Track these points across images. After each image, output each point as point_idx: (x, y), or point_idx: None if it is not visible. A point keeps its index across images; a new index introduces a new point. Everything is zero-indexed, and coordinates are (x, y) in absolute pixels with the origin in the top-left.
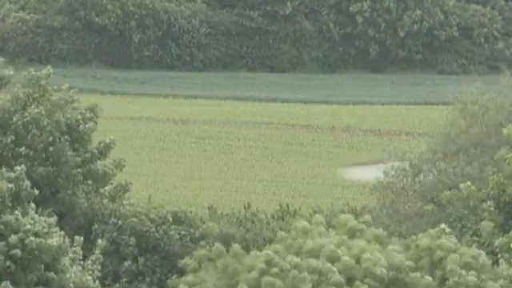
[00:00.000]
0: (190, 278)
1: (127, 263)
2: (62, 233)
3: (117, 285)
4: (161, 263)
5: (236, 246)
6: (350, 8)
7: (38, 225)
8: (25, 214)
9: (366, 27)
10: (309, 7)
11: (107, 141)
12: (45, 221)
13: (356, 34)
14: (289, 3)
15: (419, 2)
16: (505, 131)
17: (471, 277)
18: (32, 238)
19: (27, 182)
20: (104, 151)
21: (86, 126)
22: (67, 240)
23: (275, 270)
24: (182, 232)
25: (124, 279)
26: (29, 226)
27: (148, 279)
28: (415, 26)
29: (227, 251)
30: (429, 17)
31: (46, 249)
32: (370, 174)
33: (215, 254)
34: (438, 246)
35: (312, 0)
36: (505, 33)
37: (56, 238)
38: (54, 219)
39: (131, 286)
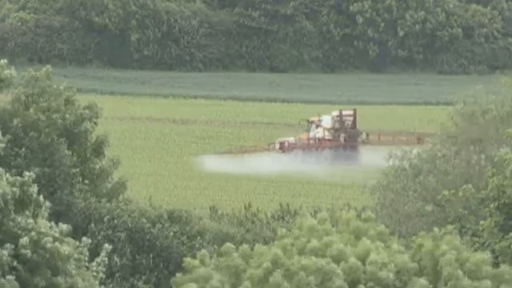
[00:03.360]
0: (194, 275)
1: (117, 258)
2: (74, 241)
3: (109, 280)
4: (157, 261)
5: (245, 247)
6: (351, 8)
7: (51, 230)
8: (35, 217)
9: (365, 27)
10: (309, 7)
11: (99, 139)
12: (57, 226)
13: (356, 34)
14: (290, 3)
15: (420, 3)
16: (508, 131)
17: (473, 283)
18: (49, 239)
19: (34, 188)
20: (98, 148)
21: (83, 125)
22: (75, 246)
23: (281, 270)
24: (178, 230)
25: (118, 275)
26: (43, 230)
27: (144, 277)
28: (417, 27)
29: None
30: (432, 17)
31: (56, 254)
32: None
33: (225, 252)
34: (442, 254)
35: (312, 0)
36: (505, 33)
37: (67, 247)
38: (67, 227)
39: (128, 283)
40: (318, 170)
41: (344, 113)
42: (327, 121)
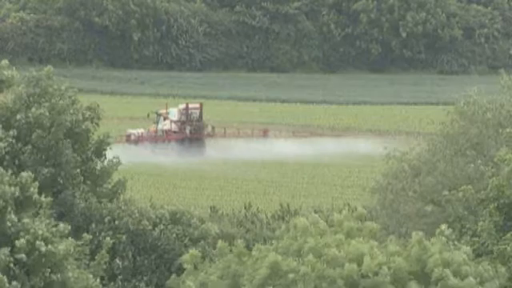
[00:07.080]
0: (191, 277)
1: (119, 261)
2: (73, 240)
3: (112, 283)
4: (159, 262)
5: (239, 244)
6: (353, 6)
7: (48, 231)
8: (34, 218)
9: (367, 27)
10: (309, 7)
11: (100, 138)
12: (54, 226)
13: (356, 34)
14: (289, 2)
15: (422, 3)
16: (507, 131)
17: (461, 283)
18: (41, 243)
19: (34, 189)
20: (100, 149)
21: (84, 124)
22: (72, 246)
23: (280, 275)
24: (180, 231)
25: (120, 277)
26: (39, 231)
27: (146, 278)
28: (419, 28)
29: (230, 251)
30: (433, 18)
31: (50, 256)
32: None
33: (219, 252)
34: (429, 257)
35: (312, 0)
36: (505, 33)
37: (62, 246)
38: (64, 226)
39: (129, 285)
40: (164, 162)
41: (190, 106)
42: (174, 113)
